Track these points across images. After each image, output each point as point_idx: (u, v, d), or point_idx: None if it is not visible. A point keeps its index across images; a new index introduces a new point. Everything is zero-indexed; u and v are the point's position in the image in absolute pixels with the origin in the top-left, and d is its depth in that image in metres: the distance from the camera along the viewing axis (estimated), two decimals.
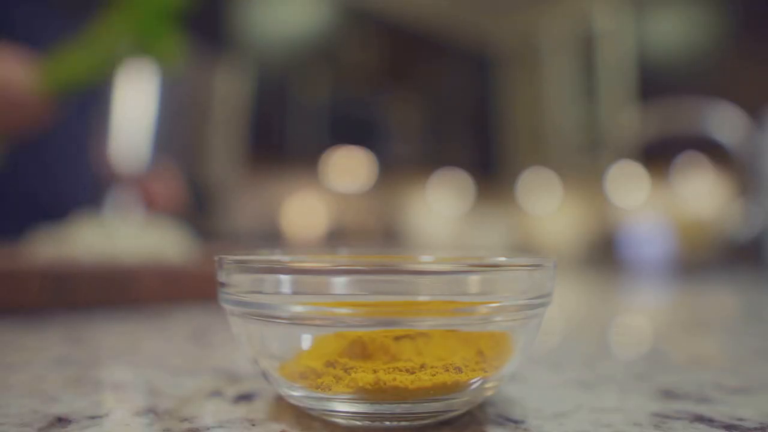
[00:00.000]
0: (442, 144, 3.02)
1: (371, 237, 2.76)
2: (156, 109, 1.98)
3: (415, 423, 0.18)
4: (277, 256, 0.20)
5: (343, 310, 0.16)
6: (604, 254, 1.06)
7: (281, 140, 2.55)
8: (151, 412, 0.19)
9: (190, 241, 0.60)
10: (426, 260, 0.21)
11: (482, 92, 3.21)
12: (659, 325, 0.46)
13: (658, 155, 1.83)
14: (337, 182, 2.76)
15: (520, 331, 0.18)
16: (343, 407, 0.17)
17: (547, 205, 3.01)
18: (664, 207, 1.09)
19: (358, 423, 0.17)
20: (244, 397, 0.21)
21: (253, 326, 0.18)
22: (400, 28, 2.87)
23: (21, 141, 0.72)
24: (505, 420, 0.19)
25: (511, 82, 3.23)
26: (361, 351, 0.17)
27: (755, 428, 0.18)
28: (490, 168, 3.21)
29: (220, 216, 2.25)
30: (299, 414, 0.19)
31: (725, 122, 1.21)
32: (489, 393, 0.19)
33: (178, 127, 2.09)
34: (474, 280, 0.17)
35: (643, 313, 0.54)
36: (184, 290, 0.45)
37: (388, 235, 2.88)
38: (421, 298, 0.17)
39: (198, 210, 2.03)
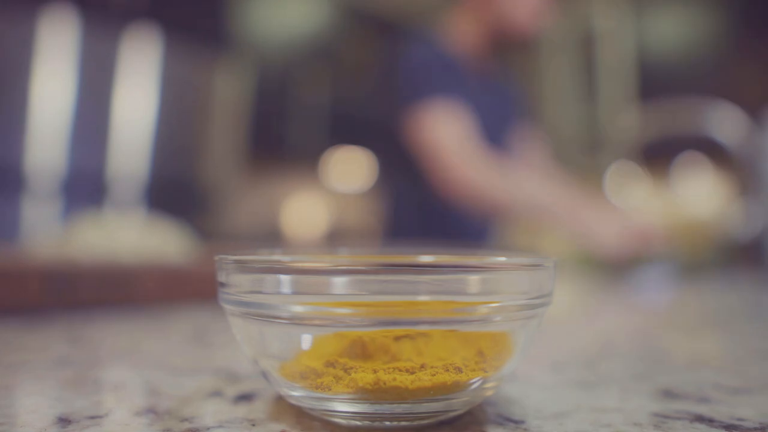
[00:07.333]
0: None
1: (371, 237, 2.77)
2: (156, 109, 1.99)
3: (415, 423, 0.18)
4: (277, 256, 0.20)
5: (343, 310, 0.16)
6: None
7: (281, 140, 2.55)
8: (151, 412, 0.19)
9: (190, 241, 0.60)
10: (426, 260, 0.21)
11: None
12: (659, 325, 0.46)
13: (658, 155, 1.83)
14: (337, 182, 2.76)
15: (520, 331, 0.18)
16: (343, 407, 0.17)
17: None
18: (664, 207, 1.09)
19: (358, 423, 0.17)
20: (244, 397, 0.21)
21: (253, 326, 0.18)
22: (399, 29, 2.86)
23: None
24: (505, 420, 0.19)
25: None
26: (361, 351, 0.17)
27: (755, 428, 0.18)
28: None
29: (220, 216, 2.25)
30: (299, 414, 0.19)
31: (725, 122, 1.21)
32: (489, 393, 0.19)
33: (178, 128, 2.09)
34: (474, 280, 0.17)
35: (643, 312, 0.54)
36: (184, 290, 0.45)
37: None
38: (421, 298, 0.17)
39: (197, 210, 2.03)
